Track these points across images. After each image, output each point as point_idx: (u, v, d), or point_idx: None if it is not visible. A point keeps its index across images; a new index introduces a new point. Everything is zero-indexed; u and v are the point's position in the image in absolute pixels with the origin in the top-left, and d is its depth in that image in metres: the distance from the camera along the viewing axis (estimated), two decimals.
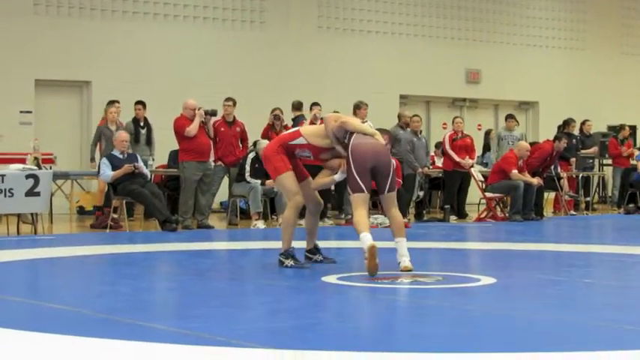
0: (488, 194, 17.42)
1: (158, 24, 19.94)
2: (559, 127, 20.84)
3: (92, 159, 16.22)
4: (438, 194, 20.51)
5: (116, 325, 5.96)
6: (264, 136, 16.31)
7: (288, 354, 5.05)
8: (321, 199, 9.64)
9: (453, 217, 17.32)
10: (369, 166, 8.89)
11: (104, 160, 14.46)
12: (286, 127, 16.62)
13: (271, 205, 16.41)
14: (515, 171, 17.06)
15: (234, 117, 16.12)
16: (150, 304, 7.33)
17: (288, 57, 21.10)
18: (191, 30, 20.24)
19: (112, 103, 16.19)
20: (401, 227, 9.01)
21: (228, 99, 16.16)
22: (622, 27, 26.18)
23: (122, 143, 14.60)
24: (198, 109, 14.87)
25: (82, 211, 18.17)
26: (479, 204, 18.83)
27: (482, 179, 17.91)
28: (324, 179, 9.52)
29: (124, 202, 14.65)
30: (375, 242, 8.48)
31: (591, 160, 21.83)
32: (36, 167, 14.06)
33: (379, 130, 9.53)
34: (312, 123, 14.78)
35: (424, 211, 18.21)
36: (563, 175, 19.54)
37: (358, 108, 16.60)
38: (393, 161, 9.35)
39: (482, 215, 17.50)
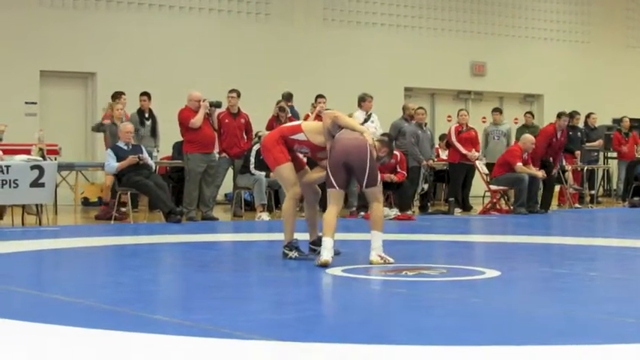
0: (493, 187, 17.41)
1: (163, 15, 19.94)
2: None
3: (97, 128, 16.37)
4: (442, 187, 20.50)
5: (120, 317, 5.97)
6: (269, 127, 16.30)
7: (292, 346, 5.05)
8: (318, 188, 9.62)
9: (457, 210, 17.30)
10: (341, 162, 8.90)
11: (109, 151, 14.47)
12: (290, 119, 16.63)
13: (275, 197, 16.42)
14: (519, 164, 17.03)
15: (238, 108, 16.11)
16: (154, 296, 7.34)
17: (293, 49, 21.09)
18: (196, 21, 20.24)
19: (117, 96, 16.17)
20: (377, 221, 8.95)
21: (232, 90, 16.14)
22: (627, 20, 26.14)
23: (127, 134, 14.60)
24: (203, 101, 14.87)
25: (86, 202, 18.19)
26: (483, 197, 18.81)
27: (487, 172, 17.89)
28: (317, 174, 9.50)
29: (129, 193, 14.65)
30: (330, 259, 8.56)
31: (596, 153, 21.83)
32: (41, 158, 14.06)
33: (381, 138, 9.55)
34: (317, 117, 14.79)
35: (428, 204, 18.20)
36: (568, 168, 19.52)
37: (363, 100, 16.57)
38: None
39: (487, 208, 17.49)
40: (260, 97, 18.18)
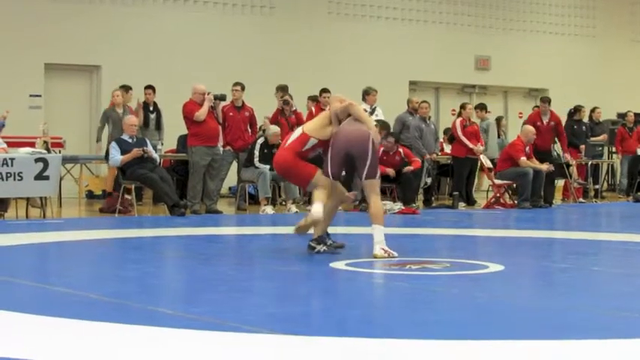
0: (498, 181, 17.39)
1: (168, 9, 19.94)
2: (568, 114, 20.79)
3: (98, 139, 16.30)
4: (447, 181, 20.49)
5: (124, 310, 5.97)
6: (274, 121, 16.30)
7: (296, 340, 5.05)
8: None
9: (461, 204, 17.29)
10: (343, 151, 8.91)
11: (113, 144, 14.47)
12: (296, 113, 16.63)
13: (280, 191, 16.44)
14: (523, 158, 17.00)
15: (242, 102, 16.11)
16: (158, 289, 7.34)
17: (298, 42, 21.08)
18: (201, 15, 20.24)
19: (125, 89, 16.20)
20: (377, 215, 8.92)
21: (236, 84, 16.14)
22: (631, 14, 26.10)
23: (131, 127, 14.60)
24: (208, 94, 14.86)
25: (90, 195, 18.21)
26: (487, 191, 18.80)
27: (492, 166, 17.87)
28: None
29: (133, 186, 14.66)
30: (320, 217, 8.69)
31: (600, 148, 21.80)
32: (45, 151, 14.07)
33: (379, 121, 9.53)
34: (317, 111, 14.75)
35: (432, 198, 18.19)
36: (573, 162, 19.50)
37: (367, 94, 16.56)
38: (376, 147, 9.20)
39: (491, 202, 17.48)
40: (264, 91, 18.15)
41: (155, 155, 14.72)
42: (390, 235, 9.08)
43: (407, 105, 18.05)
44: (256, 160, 15.64)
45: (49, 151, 14.29)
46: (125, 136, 14.57)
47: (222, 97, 15.28)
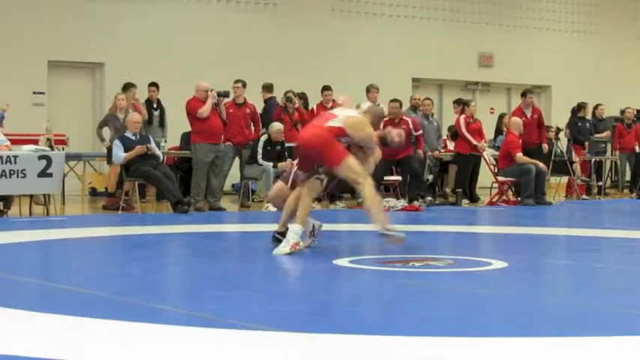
0: (501, 178, 17.37)
1: (170, 5, 19.94)
2: (572, 111, 20.80)
3: (102, 139, 16.29)
4: (450, 178, 20.46)
5: (127, 307, 5.97)
6: (277, 118, 16.30)
7: (300, 337, 5.05)
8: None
9: (465, 201, 17.27)
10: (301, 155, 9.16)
11: (116, 141, 14.47)
12: (298, 110, 16.62)
13: None
14: (519, 154, 16.94)
15: (244, 99, 16.12)
16: (161, 286, 7.35)
17: (301, 39, 21.07)
18: (204, 12, 20.23)
19: (128, 87, 16.14)
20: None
21: (237, 81, 16.15)
22: (635, 11, 26.08)
23: (134, 125, 14.60)
24: (211, 91, 14.86)
25: (94, 192, 18.21)
26: (490, 188, 18.79)
27: (495, 163, 17.86)
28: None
29: (136, 183, 14.67)
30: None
31: (604, 145, 21.78)
32: (48, 148, 14.06)
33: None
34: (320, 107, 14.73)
35: (435, 195, 18.18)
36: (576, 159, 19.49)
37: (368, 91, 16.58)
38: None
39: (494, 199, 17.47)
40: None
41: (158, 152, 14.71)
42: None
43: (410, 102, 18.05)
44: (259, 157, 15.64)
45: (52, 149, 14.27)
46: (128, 134, 14.56)
47: (226, 94, 15.28)
